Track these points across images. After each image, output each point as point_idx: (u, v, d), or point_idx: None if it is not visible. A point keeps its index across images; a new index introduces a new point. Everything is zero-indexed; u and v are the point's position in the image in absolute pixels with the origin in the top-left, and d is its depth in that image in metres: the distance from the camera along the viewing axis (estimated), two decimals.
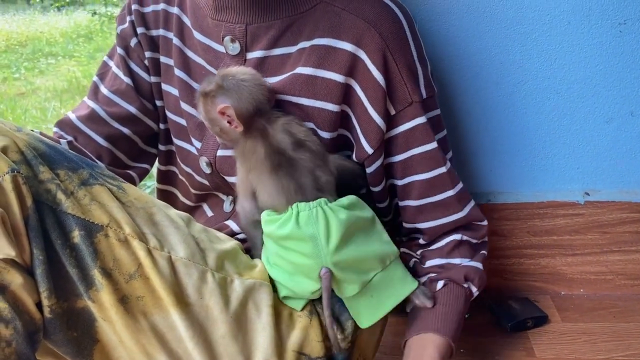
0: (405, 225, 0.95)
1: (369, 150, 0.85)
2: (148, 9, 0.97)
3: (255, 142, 0.80)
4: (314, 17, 0.84)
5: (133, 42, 0.98)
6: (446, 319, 0.88)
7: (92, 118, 0.99)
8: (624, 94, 1.13)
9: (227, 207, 0.99)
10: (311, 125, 0.85)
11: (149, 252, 0.71)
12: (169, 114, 0.99)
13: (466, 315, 1.20)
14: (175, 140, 1.00)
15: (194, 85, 0.93)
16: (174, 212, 0.79)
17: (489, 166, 1.19)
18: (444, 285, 0.91)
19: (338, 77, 0.83)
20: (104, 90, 1.01)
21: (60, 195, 0.68)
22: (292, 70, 0.84)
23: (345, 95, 0.84)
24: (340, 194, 0.83)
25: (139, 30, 0.97)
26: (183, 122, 0.96)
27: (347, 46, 0.82)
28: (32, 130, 0.75)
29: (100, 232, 0.69)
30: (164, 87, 0.98)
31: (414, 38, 0.85)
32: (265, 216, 0.81)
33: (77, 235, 0.68)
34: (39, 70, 7.67)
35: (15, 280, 0.63)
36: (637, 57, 1.10)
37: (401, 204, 0.93)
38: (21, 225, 0.64)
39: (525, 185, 1.20)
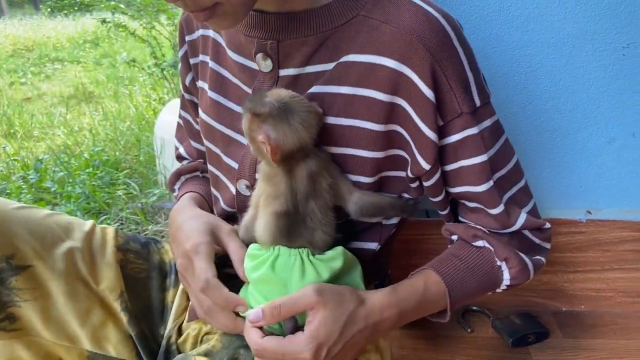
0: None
1: (426, 167, 0.80)
2: (191, 37, 0.98)
3: (280, 175, 0.78)
4: (351, 31, 0.78)
5: (188, 78, 1.02)
6: (451, 266, 0.85)
7: (200, 154, 1.08)
8: (626, 115, 1.16)
9: None
10: (355, 151, 0.81)
11: None
12: (204, 140, 0.98)
13: (468, 330, 1.23)
14: (208, 166, 1.00)
15: (229, 105, 0.90)
16: None
17: None
18: (479, 248, 0.87)
19: (380, 96, 0.78)
20: (194, 124, 1.07)
21: None
22: (328, 89, 0.80)
23: (392, 114, 0.79)
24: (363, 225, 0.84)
25: (191, 61, 1.00)
26: (213, 147, 0.95)
27: (390, 62, 0.76)
28: None
29: None
30: (200, 112, 0.97)
31: (462, 45, 0.78)
32: (249, 249, 0.81)
33: None
34: (45, 75, 7.72)
35: None
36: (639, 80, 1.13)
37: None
38: None
39: None
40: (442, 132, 0.79)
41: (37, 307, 0.85)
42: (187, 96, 1.05)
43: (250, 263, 0.78)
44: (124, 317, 0.91)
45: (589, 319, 1.26)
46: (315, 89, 0.80)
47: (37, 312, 0.85)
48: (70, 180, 2.83)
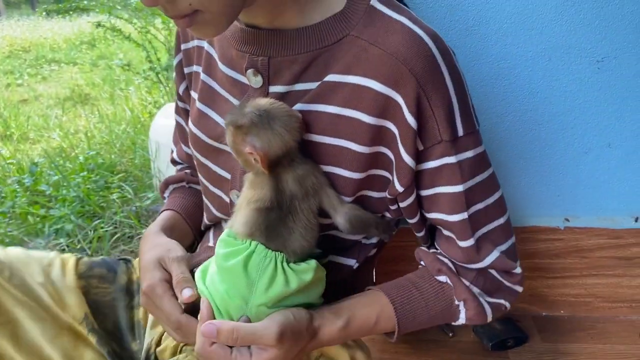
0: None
1: (399, 189, 0.80)
2: (185, 46, 0.99)
3: (266, 182, 0.79)
4: (340, 51, 0.78)
5: (182, 87, 1.03)
6: (407, 296, 0.85)
7: (190, 158, 1.08)
8: (601, 126, 1.19)
9: None
10: (336, 170, 0.81)
11: None
12: (192, 150, 0.99)
13: (450, 334, 1.27)
14: (198, 174, 1.01)
15: (216, 118, 0.91)
16: None
17: None
18: (441, 283, 0.86)
19: (366, 119, 0.77)
20: (185, 127, 1.07)
21: None
22: (314, 107, 0.80)
23: (379, 136, 0.79)
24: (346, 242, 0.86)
25: (185, 70, 1.01)
26: (201, 158, 0.96)
27: (377, 86, 0.76)
28: None
29: None
30: (189, 122, 0.98)
31: (450, 71, 0.77)
32: (224, 234, 0.81)
33: None
34: (41, 76, 7.72)
35: None
36: (614, 92, 1.16)
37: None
38: None
39: (508, 211, 1.25)
40: (421, 157, 0.79)
41: (6, 333, 0.86)
42: (180, 104, 1.07)
43: (223, 250, 0.78)
44: (92, 338, 0.93)
45: (568, 324, 1.29)
46: (299, 106, 0.80)
47: (6, 338, 0.86)
48: (65, 184, 2.85)
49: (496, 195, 0.85)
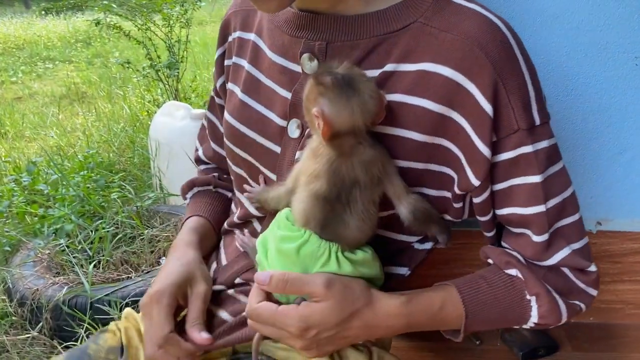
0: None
1: (476, 183, 0.76)
2: (230, 38, 0.96)
3: (330, 156, 0.73)
4: (406, 38, 0.74)
5: (220, 81, 1.00)
6: (475, 287, 0.80)
7: (220, 158, 1.07)
8: (637, 125, 1.15)
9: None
10: (396, 161, 0.77)
11: None
12: (226, 141, 0.95)
13: (477, 342, 1.21)
14: (232, 167, 0.97)
15: (259, 109, 0.87)
16: None
17: None
18: (511, 276, 0.80)
19: (432, 106, 0.74)
20: (219, 126, 1.05)
21: None
22: None
23: (442, 127, 0.75)
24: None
25: (225, 62, 0.97)
26: (241, 153, 0.92)
27: (446, 71, 0.72)
28: None
29: None
30: (226, 115, 0.93)
31: (524, 59, 0.75)
32: (284, 214, 0.78)
33: None
34: (36, 74, 7.66)
35: None
36: None
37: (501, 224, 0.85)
38: None
39: None
40: (495, 149, 0.74)
41: None
42: (217, 99, 1.03)
43: (280, 232, 0.77)
44: None
45: (598, 331, 1.24)
46: None
47: None
48: (65, 183, 2.79)
49: (571, 190, 0.81)
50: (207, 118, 1.09)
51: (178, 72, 3.89)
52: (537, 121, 0.74)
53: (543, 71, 1.11)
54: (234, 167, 0.95)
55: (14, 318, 2.11)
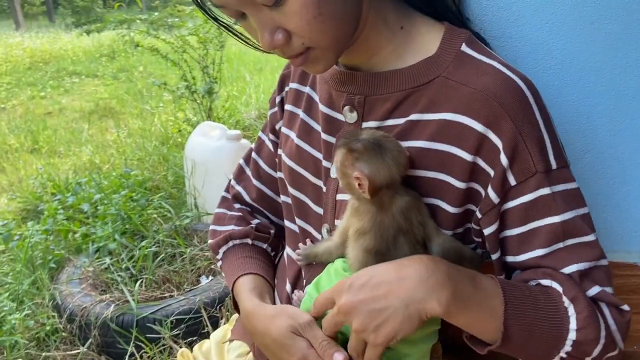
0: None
1: (479, 215, 0.83)
2: (287, 88, 1.07)
3: (372, 211, 0.81)
4: (431, 90, 0.83)
5: (280, 123, 1.09)
6: (513, 285, 0.79)
7: (262, 197, 1.15)
8: None
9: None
10: (437, 202, 0.84)
11: None
12: (290, 189, 1.03)
13: None
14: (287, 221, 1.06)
15: (314, 153, 0.97)
16: None
17: None
18: (545, 286, 0.80)
19: (463, 154, 0.81)
20: (264, 166, 1.14)
21: None
22: (402, 143, 0.84)
23: (474, 173, 0.81)
24: None
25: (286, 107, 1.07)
26: (300, 196, 1.01)
27: (471, 122, 0.79)
28: None
29: None
30: (284, 158, 1.03)
31: (540, 111, 0.81)
32: (340, 265, 0.86)
33: None
34: (64, 89, 7.83)
35: None
36: None
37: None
38: None
39: None
40: (514, 193, 0.80)
41: None
42: (272, 137, 1.12)
43: (338, 277, 0.84)
44: None
45: None
46: None
47: None
48: (106, 202, 2.89)
49: (593, 236, 0.82)
50: (252, 159, 1.16)
51: (216, 95, 3.97)
52: (554, 165, 0.80)
53: (591, 113, 1.16)
54: (288, 218, 1.05)
55: (63, 334, 2.19)
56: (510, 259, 0.85)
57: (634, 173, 1.21)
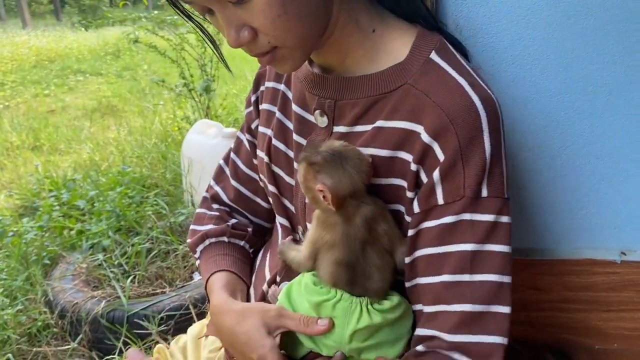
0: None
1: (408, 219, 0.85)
2: (263, 87, 1.08)
3: (337, 222, 0.82)
4: (396, 98, 0.84)
5: (255, 123, 1.10)
6: None
7: (240, 198, 1.16)
8: None
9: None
10: (399, 207, 0.86)
11: None
12: (266, 182, 1.05)
13: None
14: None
15: (290, 154, 0.98)
16: None
17: (530, 224, 1.25)
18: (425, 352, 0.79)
19: (411, 160, 0.83)
20: (242, 167, 1.14)
21: None
22: (368, 151, 0.85)
23: (417, 181, 0.83)
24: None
25: (260, 107, 1.08)
26: (272, 188, 1.03)
27: (422, 133, 0.80)
28: None
29: None
30: (261, 154, 1.05)
31: (491, 135, 0.79)
32: (312, 279, 0.85)
33: None
34: (68, 87, 7.86)
35: None
36: None
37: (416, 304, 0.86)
38: None
39: (564, 243, 1.25)
40: (438, 213, 0.80)
41: None
42: (248, 137, 1.12)
43: (313, 297, 0.83)
44: None
45: (622, 358, 1.28)
46: (358, 146, 0.86)
47: None
48: (101, 199, 2.90)
49: (506, 279, 0.79)
50: (230, 159, 1.17)
51: (214, 93, 3.98)
52: (484, 193, 0.79)
53: (569, 109, 1.16)
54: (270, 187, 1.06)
55: (54, 330, 2.20)
56: (417, 281, 0.83)
57: (612, 169, 1.20)
